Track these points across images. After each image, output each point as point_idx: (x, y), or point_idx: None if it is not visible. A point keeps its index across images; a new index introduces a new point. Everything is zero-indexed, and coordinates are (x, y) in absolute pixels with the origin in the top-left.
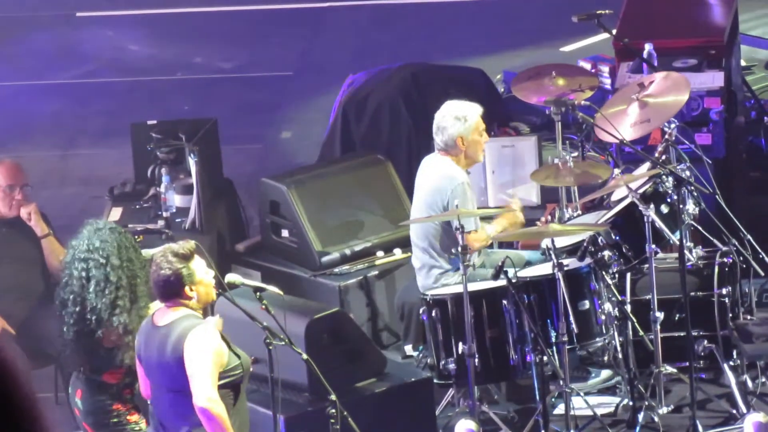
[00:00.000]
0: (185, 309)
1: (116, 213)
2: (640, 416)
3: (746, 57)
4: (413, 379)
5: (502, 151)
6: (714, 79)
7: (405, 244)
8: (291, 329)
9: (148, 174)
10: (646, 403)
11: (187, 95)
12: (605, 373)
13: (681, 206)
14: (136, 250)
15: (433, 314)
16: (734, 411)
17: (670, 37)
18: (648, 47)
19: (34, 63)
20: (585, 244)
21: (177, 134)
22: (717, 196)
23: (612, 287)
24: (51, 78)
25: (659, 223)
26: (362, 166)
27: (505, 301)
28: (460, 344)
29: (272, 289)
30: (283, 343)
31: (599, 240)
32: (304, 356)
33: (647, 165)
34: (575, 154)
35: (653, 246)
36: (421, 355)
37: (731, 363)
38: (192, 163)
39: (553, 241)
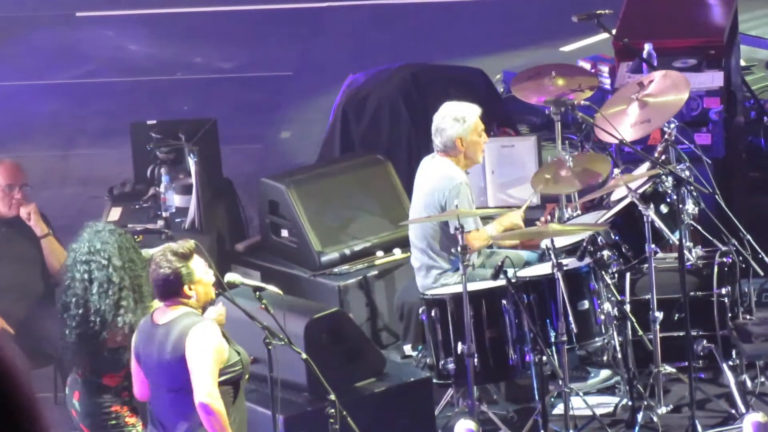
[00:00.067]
0: (185, 307)
1: (116, 213)
2: (639, 416)
3: (746, 57)
4: (412, 379)
5: (501, 151)
6: (713, 79)
7: (404, 244)
8: (290, 329)
9: (148, 174)
10: (645, 402)
11: (186, 95)
12: (604, 372)
13: (680, 206)
14: (137, 250)
15: (433, 314)
16: (733, 411)
17: (670, 37)
18: (648, 47)
19: (34, 63)
20: (584, 244)
21: (176, 134)
22: (716, 196)
23: (611, 287)
24: (51, 78)
25: (659, 223)
26: (362, 166)
27: (504, 301)
28: (460, 344)
29: (272, 288)
30: (283, 342)
31: (599, 240)
32: (304, 356)
33: (647, 165)
34: (575, 154)
35: (653, 246)
36: (420, 354)
37: (730, 363)
38: (191, 163)
39: (552, 241)
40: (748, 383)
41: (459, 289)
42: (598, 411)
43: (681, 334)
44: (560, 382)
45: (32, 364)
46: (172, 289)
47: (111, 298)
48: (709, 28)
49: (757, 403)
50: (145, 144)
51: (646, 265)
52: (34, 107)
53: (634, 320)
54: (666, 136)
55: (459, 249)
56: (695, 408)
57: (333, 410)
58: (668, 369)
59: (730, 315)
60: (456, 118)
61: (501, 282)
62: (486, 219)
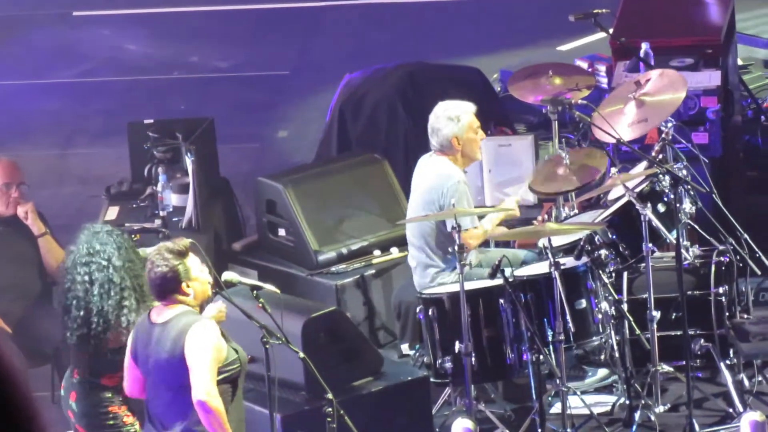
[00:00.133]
0: (183, 306)
1: (113, 212)
2: (637, 415)
3: (743, 56)
4: (410, 378)
5: (498, 150)
6: (711, 78)
7: (402, 243)
8: (288, 328)
9: (145, 173)
10: (643, 401)
11: (183, 94)
12: (602, 371)
13: (678, 205)
14: (135, 250)
15: (430, 313)
16: (731, 410)
17: (667, 36)
18: (645, 46)
19: (32, 62)
20: (582, 243)
21: (174, 133)
22: (714, 195)
23: (609, 286)
24: (48, 77)
25: (656, 222)
26: (359, 165)
27: (501, 300)
28: (457, 343)
29: (269, 287)
30: (280, 341)
31: (596, 239)
32: (301, 355)
33: (644, 164)
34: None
35: (650, 245)
36: (417, 353)
37: (728, 362)
38: (189, 162)
39: (549, 240)
40: (746, 382)
41: (456, 288)
42: (596, 410)
43: (678, 333)
44: (558, 381)
45: (30, 363)
46: (170, 287)
47: (113, 299)
48: (707, 27)
49: (755, 402)
50: (143, 143)
51: (643, 264)
52: (32, 106)
53: (631, 319)
54: (663, 135)
55: (456, 248)
56: (693, 407)
57: (330, 409)
58: (666, 368)
59: (727, 314)
60: (450, 117)
61: (498, 281)
62: (484, 218)
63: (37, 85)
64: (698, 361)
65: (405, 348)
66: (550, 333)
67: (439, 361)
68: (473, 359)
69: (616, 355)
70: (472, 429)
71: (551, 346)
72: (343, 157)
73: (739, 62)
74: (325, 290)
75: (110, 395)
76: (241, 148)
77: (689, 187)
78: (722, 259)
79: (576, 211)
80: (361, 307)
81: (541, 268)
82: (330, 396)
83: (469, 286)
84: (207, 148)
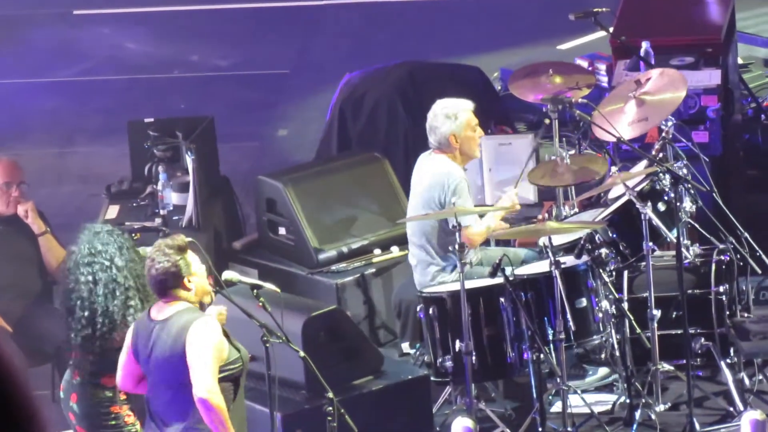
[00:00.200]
0: (183, 303)
1: (113, 211)
2: (637, 414)
3: (743, 55)
4: (410, 377)
5: (499, 149)
6: (711, 77)
7: (402, 241)
8: (288, 327)
9: (145, 172)
10: (643, 400)
11: (184, 93)
12: (602, 370)
13: (678, 204)
14: (135, 249)
15: (430, 312)
16: (731, 408)
17: (667, 35)
18: (645, 45)
19: (32, 61)
20: (582, 242)
21: (174, 132)
22: (714, 194)
23: (609, 285)
24: (48, 76)
25: (656, 221)
26: (359, 163)
27: (502, 299)
28: (457, 342)
29: (269, 286)
30: (280, 340)
31: (596, 238)
32: (301, 354)
33: (644, 163)
34: (572, 152)
35: (650, 244)
36: (418, 352)
37: (728, 361)
38: (189, 160)
39: (550, 239)
40: (746, 381)
41: (457, 286)
42: (596, 409)
43: (679, 332)
44: (558, 380)
45: (30, 362)
46: (172, 282)
47: (119, 299)
48: (707, 26)
49: (755, 401)
50: (143, 142)
51: (643, 263)
52: (32, 105)
53: (631, 318)
54: (663, 134)
55: (457, 247)
56: (693, 406)
57: (331, 408)
58: (666, 367)
59: (727, 313)
60: (448, 115)
61: (499, 280)
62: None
63: (37, 83)
64: (699, 359)
65: (405, 347)
66: (550, 332)
67: (440, 359)
68: (474, 358)
69: (617, 353)
70: (472, 428)
71: (552, 345)
72: (344, 155)
73: (740, 61)
74: (326, 289)
75: (111, 395)
76: (241, 146)
77: (689, 185)
78: (723, 257)
79: (576, 209)
80: (361, 306)
81: (541, 266)
82: (330, 395)
83: (470, 284)
84: (207, 146)
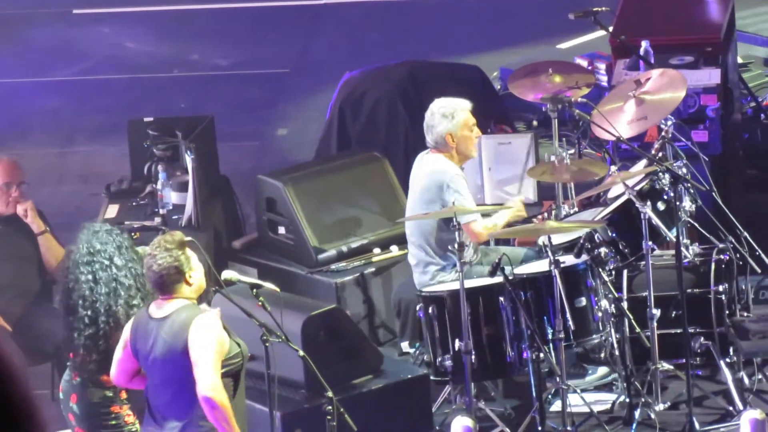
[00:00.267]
0: (182, 300)
1: (113, 210)
2: (637, 413)
3: (743, 54)
4: (410, 376)
5: (498, 149)
6: (711, 76)
7: (402, 240)
8: (288, 326)
9: (145, 171)
10: (643, 399)
11: (184, 92)
12: (602, 370)
13: (677, 203)
14: (134, 249)
15: (430, 311)
16: (731, 408)
17: (667, 34)
18: (644, 44)
19: (32, 60)
20: (582, 241)
21: (174, 131)
22: (713, 193)
23: (609, 284)
24: (48, 75)
25: (656, 220)
26: (359, 163)
27: (501, 298)
28: (457, 341)
29: (269, 286)
30: (280, 340)
31: (596, 237)
32: (301, 353)
33: (644, 162)
34: (572, 151)
35: (650, 243)
36: (417, 351)
37: (728, 360)
38: (189, 160)
39: (549, 238)
40: (746, 380)
41: (456, 285)
42: (596, 408)
43: (678, 331)
44: (558, 379)
45: (29, 362)
46: (176, 277)
47: (122, 298)
48: (706, 25)
49: (755, 400)
50: (143, 141)
51: (643, 263)
52: (32, 104)
53: (631, 317)
54: (663, 133)
55: (456, 246)
56: (693, 405)
57: (330, 407)
58: (666, 366)
59: (727, 312)
60: (444, 114)
61: (498, 279)
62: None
63: (37, 82)
64: (698, 359)
65: (405, 346)
66: (550, 331)
67: (439, 359)
68: (473, 357)
69: (616, 353)
70: (472, 427)
71: (551, 344)
72: (343, 155)
73: (739, 60)
74: (325, 288)
75: (111, 395)
76: (241, 146)
77: (689, 185)
78: (722, 257)
79: (576, 209)
80: (361, 305)
81: (541, 266)
82: (330, 394)
83: (470, 284)
84: (207, 146)
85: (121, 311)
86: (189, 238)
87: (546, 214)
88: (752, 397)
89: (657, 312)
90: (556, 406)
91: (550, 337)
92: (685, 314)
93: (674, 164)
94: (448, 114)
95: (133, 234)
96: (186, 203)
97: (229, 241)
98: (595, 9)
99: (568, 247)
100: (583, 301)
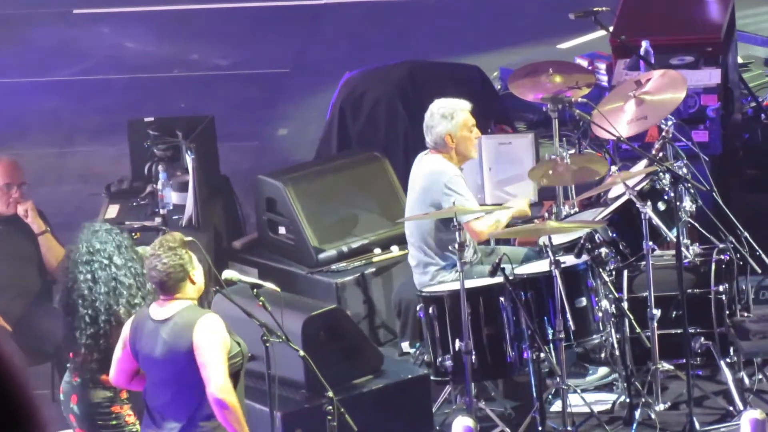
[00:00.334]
0: (184, 301)
1: (113, 210)
2: (637, 413)
3: (743, 54)
4: (410, 376)
5: (499, 149)
6: (711, 76)
7: (402, 241)
8: (288, 326)
9: (145, 171)
10: (643, 400)
11: (184, 92)
12: (602, 370)
13: (678, 203)
14: (134, 248)
15: (430, 311)
16: (731, 408)
17: (667, 34)
18: (645, 44)
19: (32, 60)
20: (582, 242)
21: (174, 131)
22: (714, 194)
23: (609, 284)
24: (48, 75)
25: (656, 221)
26: (359, 163)
27: (502, 298)
28: (457, 341)
29: (269, 286)
30: (280, 340)
31: (596, 237)
32: (301, 353)
33: (644, 162)
34: (572, 151)
35: (650, 243)
36: (417, 352)
37: (728, 360)
38: (189, 160)
39: (550, 239)
40: (746, 380)
41: (456, 286)
42: (596, 408)
43: (679, 331)
44: (558, 379)
45: (29, 362)
46: (181, 276)
47: (124, 297)
48: (707, 25)
49: (755, 400)
50: (143, 141)
51: (643, 263)
52: (32, 104)
53: (631, 317)
54: (663, 134)
55: (457, 246)
56: (693, 405)
57: (330, 407)
58: (666, 366)
59: (727, 312)
60: (444, 114)
61: (499, 279)
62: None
63: (37, 82)
64: (698, 359)
65: (405, 346)
66: (550, 331)
67: (440, 359)
68: (473, 357)
69: (617, 353)
70: (472, 427)
71: (551, 344)
72: (343, 155)
73: (740, 60)
74: (326, 288)
75: (111, 395)
76: (241, 146)
77: (689, 185)
78: (722, 257)
79: (576, 209)
80: (361, 305)
81: (541, 266)
82: (330, 394)
83: (470, 284)
84: (207, 146)
85: (123, 311)
86: (189, 238)
87: (546, 215)
88: (752, 397)
89: (657, 312)
90: (557, 406)
91: (550, 337)
92: (685, 314)
93: (674, 164)
94: (448, 114)
95: (133, 234)
96: (186, 203)
97: (230, 241)
98: (595, 9)
99: (569, 248)
100: (584, 301)
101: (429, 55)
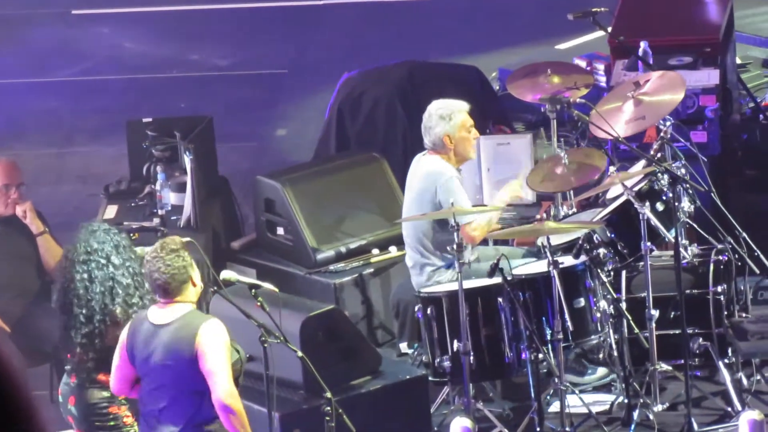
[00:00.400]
0: (185, 304)
1: (111, 211)
2: (635, 414)
3: (742, 54)
4: (408, 377)
5: (497, 149)
6: (709, 76)
7: (400, 241)
8: (286, 327)
9: (144, 172)
10: (641, 400)
11: (182, 93)
12: (601, 370)
13: (676, 204)
14: (132, 248)
15: (428, 312)
16: (729, 409)
17: (666, 35)
18: (643, 45)
19: (31, 60)
20: (580, 242)
21: (172, 132)
22: (712, 194)
23: (607, 285)
24: (47, 75)
25: (654, 221)
26: (357, 163)
27: (500, 299)
28: (455, 342)
29: (267, 286)
30: (279, 340)
31: (594, 238)
32: (299, 354)
33: (642, 162)
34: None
35: (648, 243)
36: (416, 352)
37: (726, 361)
38: (187, 160)
39: (548, 239)
40: (744, 381)
41: (455, 286)
42: (594, 409)
43: (677, 332)
44: (556, 379)
45: (28, 362)
46: (185, 278)
47: (120, 297)
48: (705, 25)
49: (753, 401)
50: (141, 142)
51: (641, 263)
52: (31, 104)
53: (629, 318)
54: (662, 134)
55: (455, 247)
56: (691, 406)
57: (329, 408)
58: (664, 367)
59: (725, 313)
60: (442, 115)
61: (497, 280)
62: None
63: (36, 83)
64: (697, 359)
65: (403, 347)
66: (548, 332)
67: (438, 359)
68: (472, 358)
69: (615, 353)
70: (470, 428)
71: (550, 345)
72: (342, 155)
73: (738, 61)
74: (324, 289)
75: (109, 395)
76: (239, 146)
77: (688, 185)
78: (721, 257)
79: (575, 209)
80: (359, 306)
81: (539, 266)
82: (328, 395)
83: (468, 284)
84: (206, 146)
85: (119, 310)
86: (188, 239)
87: (545, 215)
88: (750, 397)
89: (655, 313)
90: (555, 406)
91: (548, 337)
92: (683, 315)
93: (673, 165)
94: (446, 115)
95: (131, 235)
96: (184, 204)
97: (228, 242)
98: (593, 9)
99: (567, 248)
100: (582, 301)
101: (428, 55)
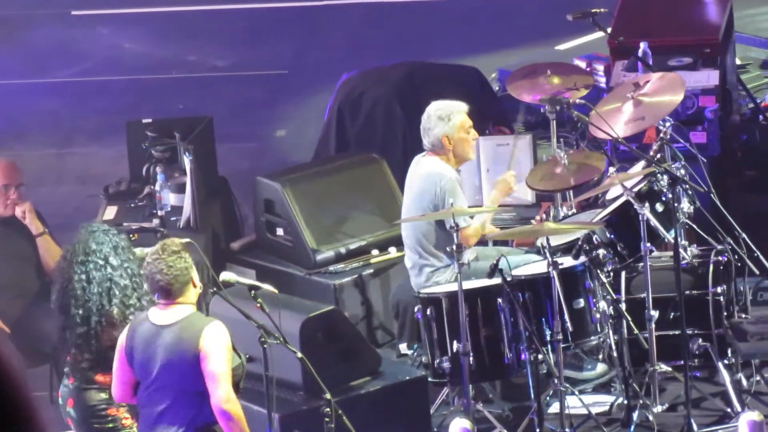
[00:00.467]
0: (186, 306)
1: (111, 211)
2: (635, 415)
3: (741, 55)
4: (408, 378)
5: (497, 150)
6: (709, 77)
7: (400, 242)
8: (286, 328)
9: (143, 172)
10: (641, 401)
11: (182, 93)
12: (601, 366)
13: (676, 204)
14: (131, 249)
15: (428, 312)
16: (729, 409)
17: (665, 36)
18: (643, 45)
19: (30, 61)
20: (580, 243)
21: (172, 132)
22: (712, 195)
23: (607, 286)
24: (47, 76)
25: (654, 222)
26: (357, 164)
27: (499, 300)
28: (455, 342)
29: (267, 287)
30: (278, 341)
31: (594, 238)
32: (299, 355)
33: (642, 163)
34: (570, 152)
35: (648, 244)
36: (415, 353)
37: (726, 361)
38: (187, 161)
39: (548, 240)
40: (744, 382)
41: (454, 287)
42: (594, 410)
43: (676, 332)
44: (556, 380)
45: (28, 363)
46: (187, 279)
47: (117, 298)
48: (705, 26)
49: (753, 402)
50: (141, 142)
51: (641, 264)
52: (30, 105)
53: (629, 319)
54: (661, 135)
55: (454, 248)
56: (691, 407)
57: (328, 409)
58: (664, 368)
59: (725, 314)
60: (441, 116)
61: (496, 280)
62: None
63: (35, 84)
64: (696, 360)
65: (403, 347)
66: (548, 332)
67: (437, 360)
68: (471, 359)
69: (614, 354)
70: (470, 429)
71: (549, 346)
72: (342, 156)
73: (738, 61)
74: (323, 290)
75: (107, 397)
76: (239, 147)
77: (687, 186)
78: (720, 258)
79: (574, 210)
80: (359, 307)
81: (539, 267)
82: (328, 396)
83: (468, 285)
84: (205, 147)
85: (116, 311)
86: (187, 240)
87: (544, 216)
88: (750, 398)
89: (655, 313)
90: (555, 407)
91: (548, 338)
92: (683, 316)
93: (672, 165)
94: (444, 116)
95: (131, 235)
96: (184, 204)
97: (228, 243)
98: (593, 10)
99: (567, 249)
100: (582, 302)
101: (427, 56)
